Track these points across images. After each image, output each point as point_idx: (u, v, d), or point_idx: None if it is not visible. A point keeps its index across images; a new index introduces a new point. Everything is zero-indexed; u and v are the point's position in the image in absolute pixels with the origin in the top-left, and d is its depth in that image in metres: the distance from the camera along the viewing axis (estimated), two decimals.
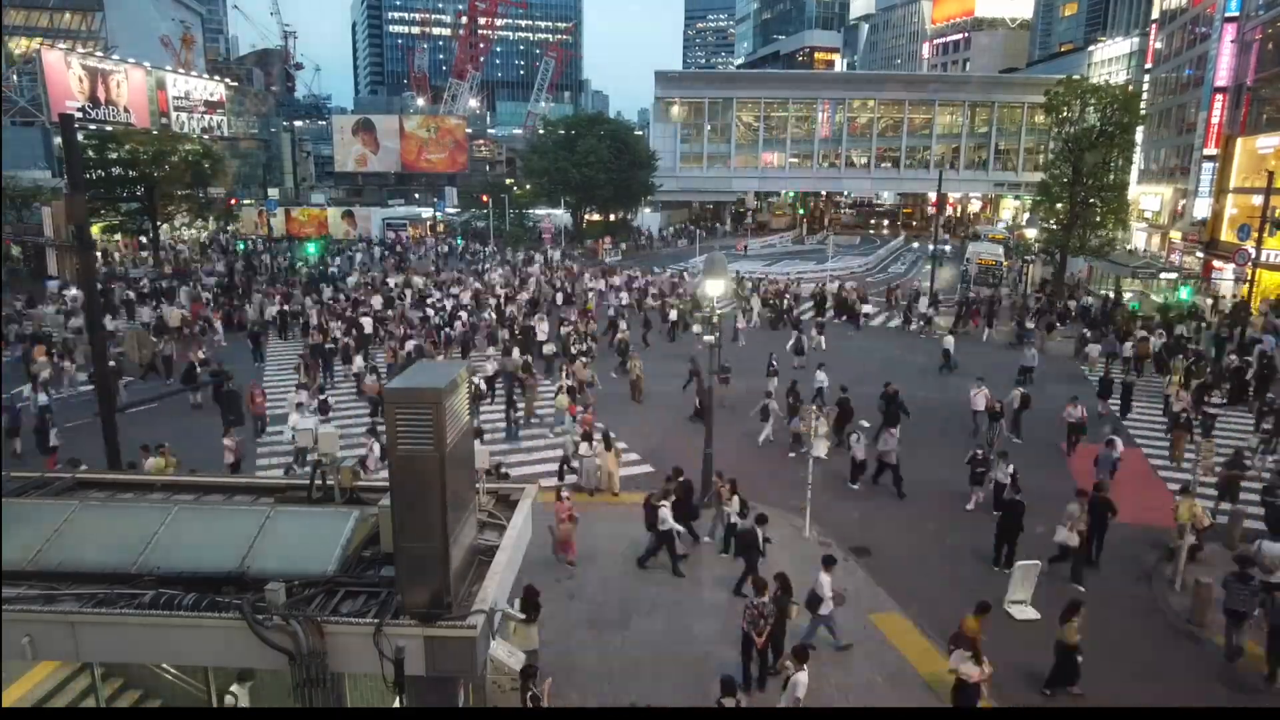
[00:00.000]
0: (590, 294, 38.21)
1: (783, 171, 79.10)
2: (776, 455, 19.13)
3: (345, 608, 6.50)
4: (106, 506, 7.94)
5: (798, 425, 18.53)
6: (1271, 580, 11.66)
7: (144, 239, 51.89)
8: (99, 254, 44.35)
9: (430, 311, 32.06)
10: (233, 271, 45.02)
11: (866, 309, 36.43)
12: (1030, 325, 31.92)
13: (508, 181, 77.78)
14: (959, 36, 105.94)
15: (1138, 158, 55.95)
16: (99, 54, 63.86)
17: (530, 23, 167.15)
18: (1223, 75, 45.35)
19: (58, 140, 49.29)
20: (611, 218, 70.82)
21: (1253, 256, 32.02)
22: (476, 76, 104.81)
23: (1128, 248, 51.89)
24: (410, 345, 25.73)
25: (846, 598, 11.49)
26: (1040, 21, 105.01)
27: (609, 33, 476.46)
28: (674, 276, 44.07)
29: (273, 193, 71.36)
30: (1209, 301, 37.03)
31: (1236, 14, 44.54)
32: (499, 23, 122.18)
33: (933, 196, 67.78)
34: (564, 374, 22.51)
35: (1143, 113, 45.52)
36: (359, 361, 24.62)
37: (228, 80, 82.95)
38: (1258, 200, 34.68)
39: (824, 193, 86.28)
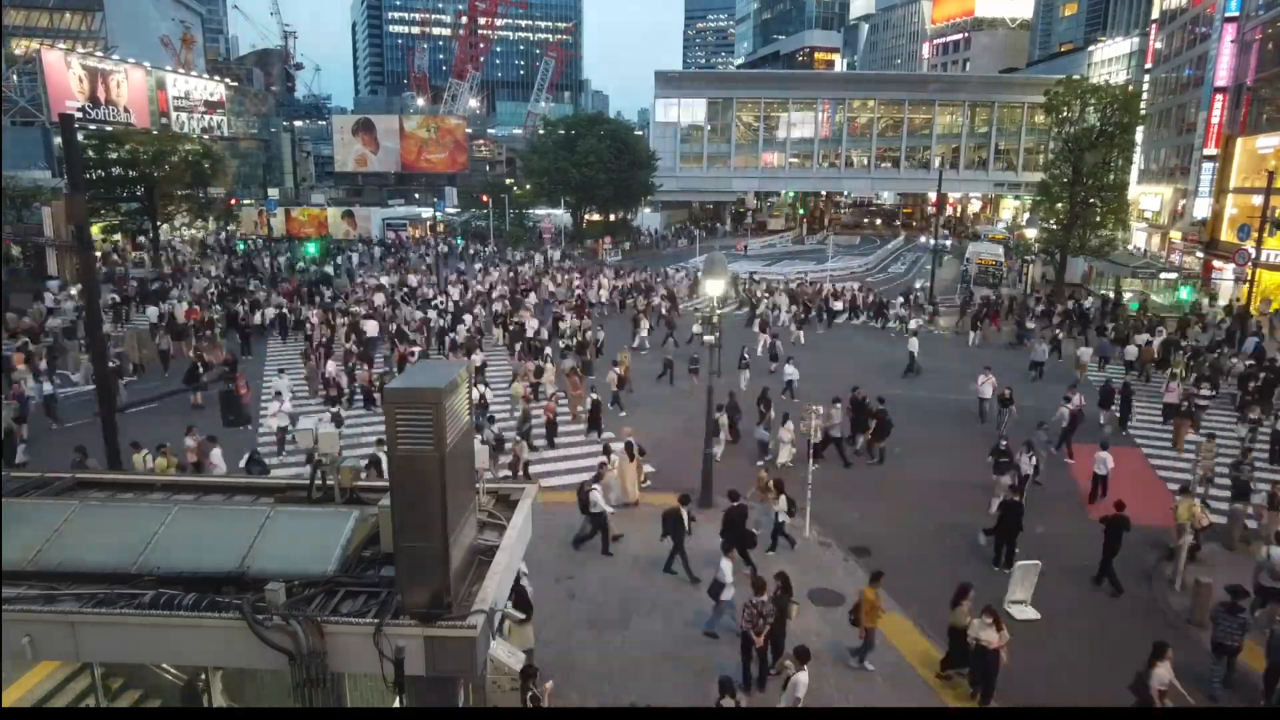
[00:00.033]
0: (576, 291, 38.17)
1: (782, 171, 79.15)
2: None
3: (345, 608, 6.49)
4: (106, 506, 7.93)
5: (763, 434, 18.39)
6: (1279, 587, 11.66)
7: (142, 239, 51.84)
8: (102, 255, 44.49)
9: (433, 314, 31.22)
10: (231, 272, 44.95)
11: (837, 305, 36.41)
12: (1030, 325, 31.91)
13: (508, 181, 77.86)
14: (959, 36, 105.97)
15: (1138, 158, 55.99)
16: (99, 54, 63.79)
17: (530, 23, 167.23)
18: (1223, 75, 45.37)
19: (58, 140, 49.24)
20: (611, 218, 70.83)
21: (1253, 256, 32.06)
22: (476, 76, 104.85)
23: (1128, 248, 51.89)
24: (415, 355, 24.59)
25: (831, 595, 11.43)
26: (1040, 21, 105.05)
27: (609, 33, 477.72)
28: (687, 277, 43.43)
29: (273, 193, 71.18)
30: (1219, 303, 37.01)
31: (1236, 14, 44.56)
32: (499, 23, 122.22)
33: (933, 196, 67.89)
34: (614, 365, 22.93)
35: (1143, 113, 45.58)
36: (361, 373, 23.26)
37: (228, 80, 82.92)
38: (1258, 200, 34.72)
39: (824, 193, 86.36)
